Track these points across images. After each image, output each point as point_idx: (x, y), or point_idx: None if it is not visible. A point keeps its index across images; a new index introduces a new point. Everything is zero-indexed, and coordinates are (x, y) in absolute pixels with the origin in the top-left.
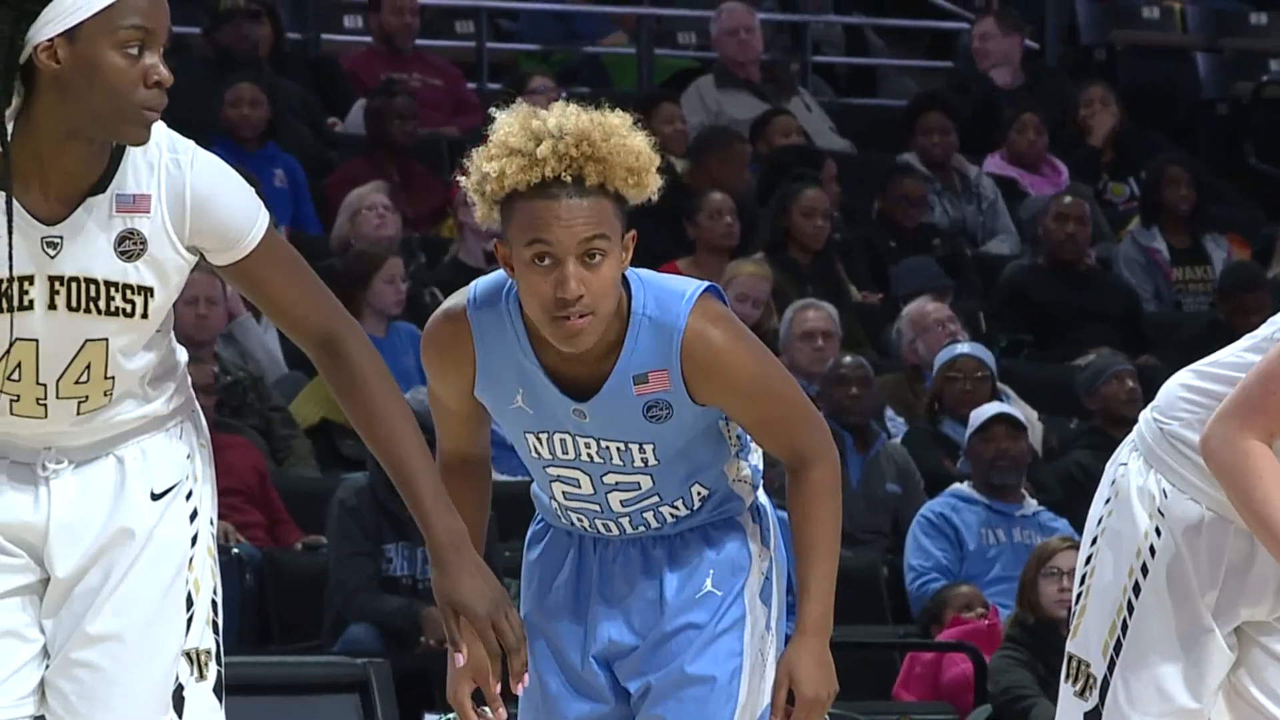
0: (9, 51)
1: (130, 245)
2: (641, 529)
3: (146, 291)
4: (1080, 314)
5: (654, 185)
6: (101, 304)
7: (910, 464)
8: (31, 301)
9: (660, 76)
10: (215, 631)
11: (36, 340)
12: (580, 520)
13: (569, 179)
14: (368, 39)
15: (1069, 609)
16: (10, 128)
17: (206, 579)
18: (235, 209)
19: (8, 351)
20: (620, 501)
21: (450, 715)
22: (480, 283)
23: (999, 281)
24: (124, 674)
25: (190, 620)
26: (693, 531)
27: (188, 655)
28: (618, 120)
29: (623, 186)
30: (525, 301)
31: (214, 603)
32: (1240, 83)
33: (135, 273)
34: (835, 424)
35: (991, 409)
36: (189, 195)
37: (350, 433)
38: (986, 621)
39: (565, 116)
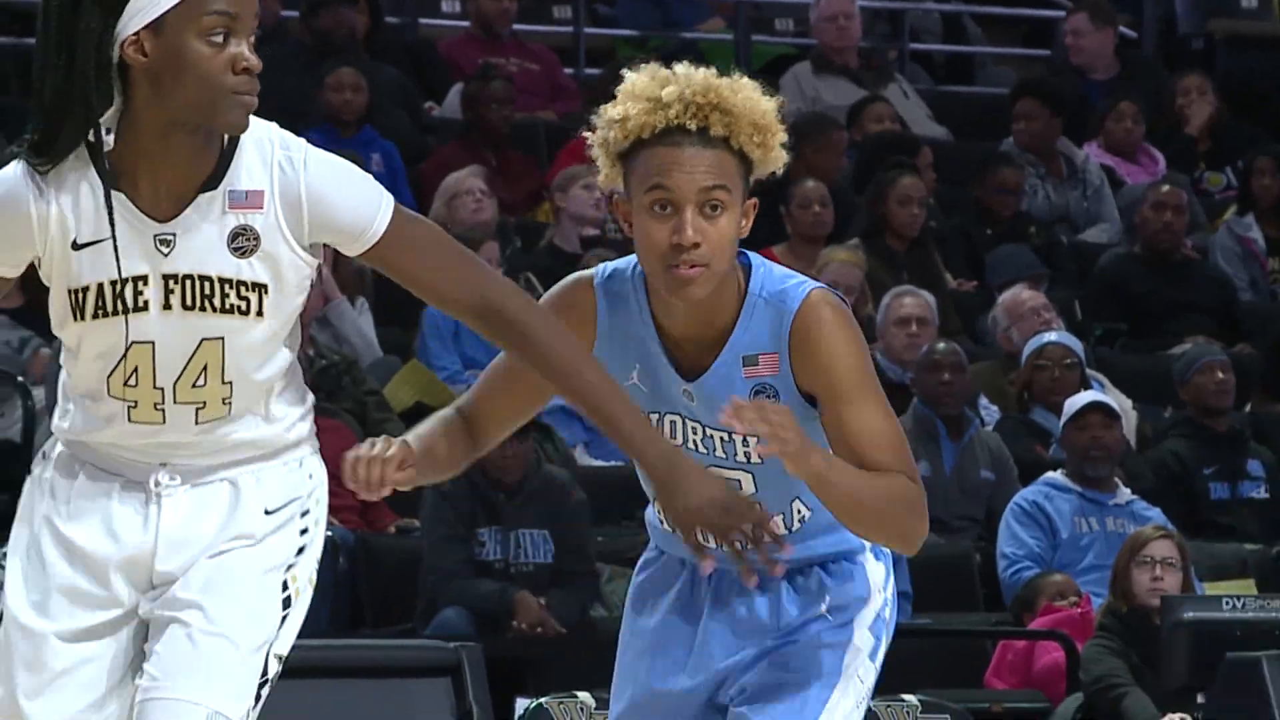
0: (98, 49)
1: (243, 241)
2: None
3: (260, 288)
4: (1175, 303)
5: (780, 153)
6: (216, 301)
7: (1004, 451)
8: (146, 302)
9: (758, 62)
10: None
11: (153, 342)
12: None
13: (694, 128)
14: (465, 24)
15: (1161, 597)
16: (115, 127)
17: (305, 595)
18: (353, 203)
19: (124, 356)
20: None
21: (543, 699)
22: (613, 261)
23: (1095, 270)
24: (214, 648)
25: (284, 621)
26: (812, 566)
27: (278, 658)
28: (747, 81)
29: (748, 144)
30: (641, 251)
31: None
32: None
33: (249, 269)
34: (928, 411)
35: (1086, 398)
36: (304, 195)
37: None
38: (1080, 610)
39: (693, 70)
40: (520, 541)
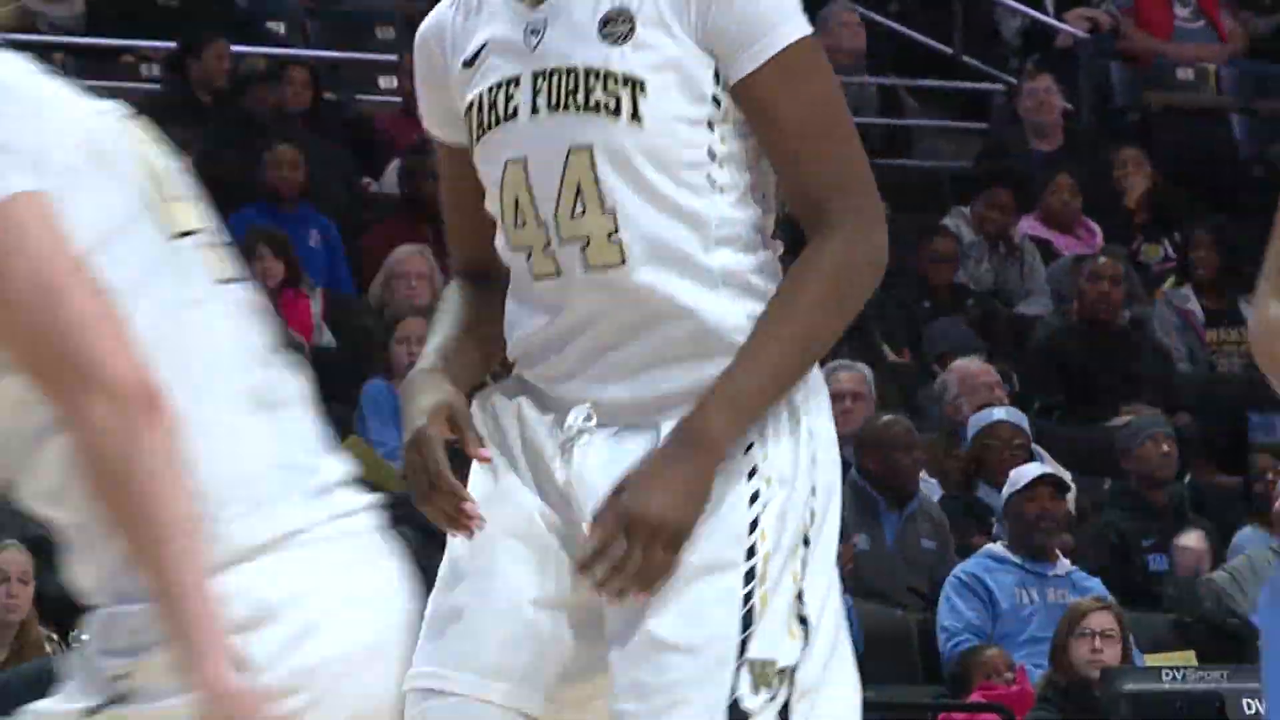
0: None
1: (616, 26)
2: None
3: (634, 84)
4: (1113, 375)
5: None
6: (580, 97)
7: (944, 520)
8: (516, 109)
9: None
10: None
11: (525, 158)
12: None
13: None
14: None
15: (1101, 669)
16: None
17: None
18: (747, 5)
19: (503, 182)
20: None
21: None
22: None
23: (1032, 343)
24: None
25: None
26: None
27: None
28: None
29: None
30: None
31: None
32: (1277, 144)
33: (619, 58)
34: (865, 483)
35: (1035, 470)
36: None
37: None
38: (1015, 685)
39: None
40: None
